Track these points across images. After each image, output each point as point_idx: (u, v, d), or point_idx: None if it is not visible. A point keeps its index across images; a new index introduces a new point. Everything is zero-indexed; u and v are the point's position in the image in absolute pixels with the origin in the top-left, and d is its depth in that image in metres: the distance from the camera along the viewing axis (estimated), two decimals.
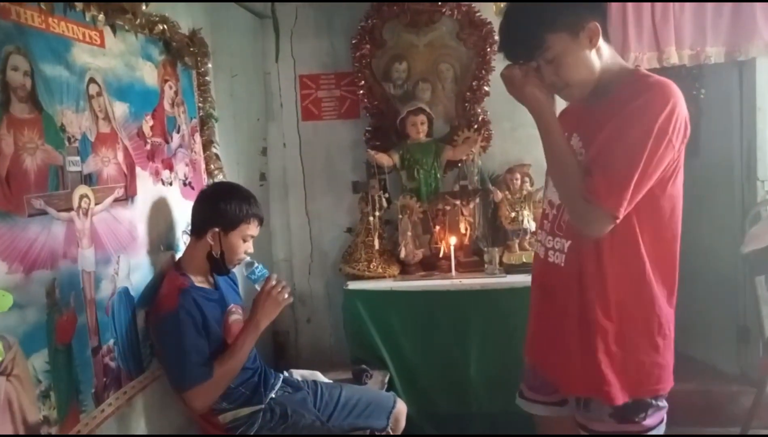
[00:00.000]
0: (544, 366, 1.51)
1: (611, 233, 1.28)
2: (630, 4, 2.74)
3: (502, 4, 2.83)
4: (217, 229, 1.79)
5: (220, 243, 1.80)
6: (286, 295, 1.82)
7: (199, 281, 1.82)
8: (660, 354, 1.35)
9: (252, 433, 1.79)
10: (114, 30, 1.68)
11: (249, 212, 1.83)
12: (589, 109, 1.36)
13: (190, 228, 1.89)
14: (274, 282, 1.82)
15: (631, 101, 1.25)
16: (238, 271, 2.01)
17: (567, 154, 1.31)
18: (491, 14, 2.89)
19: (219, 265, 1.83)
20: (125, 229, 1.70)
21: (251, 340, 1.79)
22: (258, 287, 1.84)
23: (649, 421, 1.35)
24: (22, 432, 1.24)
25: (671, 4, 2.72)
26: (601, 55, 1.32)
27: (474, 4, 2.88)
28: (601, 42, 1.30)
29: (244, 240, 1.84)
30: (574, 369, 1.37)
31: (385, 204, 2.83)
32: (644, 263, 1.32)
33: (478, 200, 2.81)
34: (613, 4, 2.77)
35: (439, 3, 2.88)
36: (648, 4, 2.74)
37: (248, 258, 1.88)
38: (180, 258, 1.90)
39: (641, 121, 1.23)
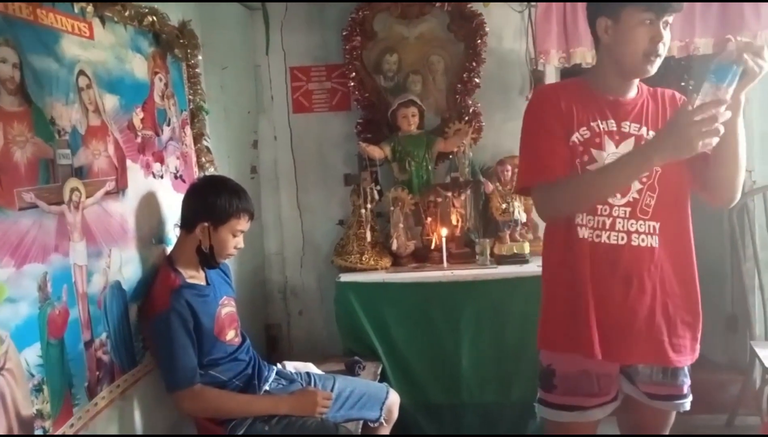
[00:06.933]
0: (626, 354, 1.49)
1: (687, 208, 1.52)
2: None
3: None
4: (206, 224, 1.79)
5: (210, 237, 1.80)
6: (324, 411, 1.86)
7: (190, 276, 1.82)
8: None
9: (247, 425, 1.79)
10: (103, 22, 1.66)
11: (239, 207, 1.83)
12: (632, 101, 1.52)
13: (180, 221, 1.88)
14: (329, 399, 1.90)
15: (666, 96, 1.53)
16: (229, 263, 2.01)
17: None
18: (481, 6, 2.89)
19: (208, 260, 1.83)
20: (116, 223, 1.69)
21: (264, 409, 1.83)
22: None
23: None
24: (15, 425, 1.23)
25: None
26: None
27: None
28: None
29: (234, 235, 1.84)
30: (681, 343, 1.49)
31: (376, 196, 2.83)
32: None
33: (469, 192, 2.82)
34: None
35: None
36: None
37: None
38: (171, 252, 1.89)
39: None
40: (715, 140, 1.24)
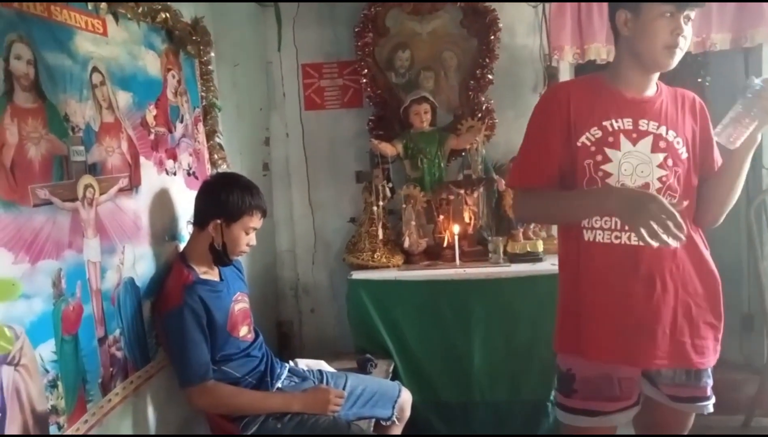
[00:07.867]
0: (648, 358, 1.44)
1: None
2: None
3: None
4: (219, 221, 1.79)
5: (222, 235, 1.80)
6: (336, 409, 1.87)
7: (203, 272, 1.82)
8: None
9: (259, 422, 1.79)
10: (116, 18, 1.67)
11: (252, 204, 1.82)
12: (650, 99, 1.49)
13: (193, 218, 1.88)
14: (341, 397, 1.90)
15: (686, 99, 1.52)
16: (241, 259, 2.01)
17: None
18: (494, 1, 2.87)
19: (221, 257, 1.83)
20: (130, 219, 1.70)
21: (276, 406, 1.82)
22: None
23: None
24: (30, 421, 1.24)
25: None
26: None
27: None
28: None
29: (247, 233, 1.84)
30: (704, 344, 1.47)
31: (388, 193, 2.82)
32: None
33: (482, 189, 2.79)
34: None
35: None
36: None
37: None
38: (184, 249, 1.90)
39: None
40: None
